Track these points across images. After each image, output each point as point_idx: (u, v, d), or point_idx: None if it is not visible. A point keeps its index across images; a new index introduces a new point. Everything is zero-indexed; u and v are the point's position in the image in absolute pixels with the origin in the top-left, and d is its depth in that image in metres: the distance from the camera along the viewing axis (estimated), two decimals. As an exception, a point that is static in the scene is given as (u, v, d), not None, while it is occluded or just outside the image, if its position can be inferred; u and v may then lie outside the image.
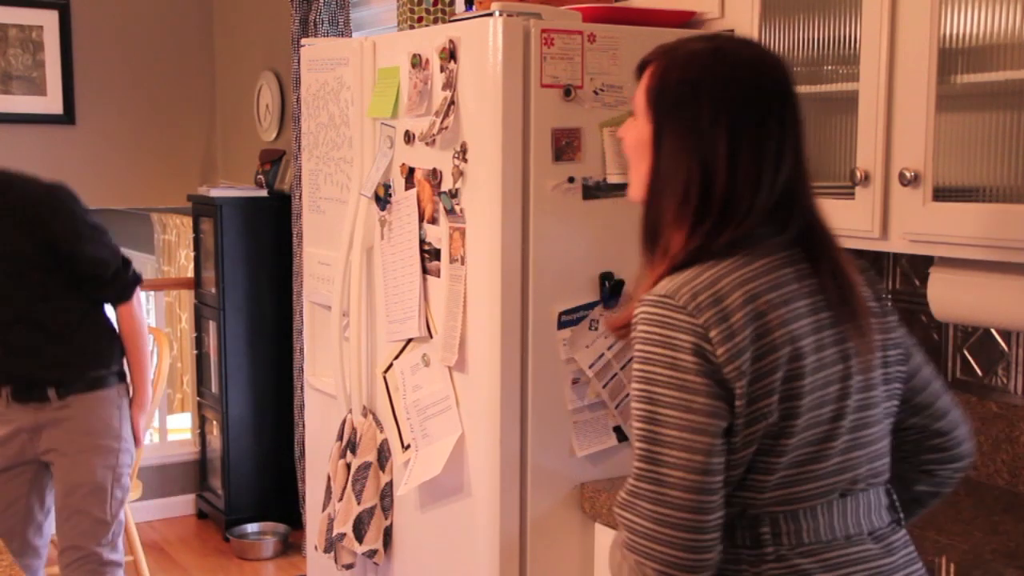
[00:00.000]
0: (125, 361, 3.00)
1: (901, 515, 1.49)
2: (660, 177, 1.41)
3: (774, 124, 1.38)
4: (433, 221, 2.23)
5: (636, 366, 1.34)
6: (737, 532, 1.36)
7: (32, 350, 2.80)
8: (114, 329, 2.96)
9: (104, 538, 2.88)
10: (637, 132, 1.45)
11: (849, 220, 2.02)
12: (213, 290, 4.57)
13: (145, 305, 3.47)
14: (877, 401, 1.42)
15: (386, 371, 2.40)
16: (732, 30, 2.25)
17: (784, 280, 1.36)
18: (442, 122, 2.14)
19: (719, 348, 1.30)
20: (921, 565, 1.46)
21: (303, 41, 2.76)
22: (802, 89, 2.17)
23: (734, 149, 1.36)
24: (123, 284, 2.90)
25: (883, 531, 1.43)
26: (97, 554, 2.86)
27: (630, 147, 1.48)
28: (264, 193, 4.65)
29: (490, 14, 2.05)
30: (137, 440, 3.00)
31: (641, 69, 1.46)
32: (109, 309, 2.98)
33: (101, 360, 2.89)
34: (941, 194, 1.88)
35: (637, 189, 1.46)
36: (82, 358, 2.85)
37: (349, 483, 2.45)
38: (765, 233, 1.38)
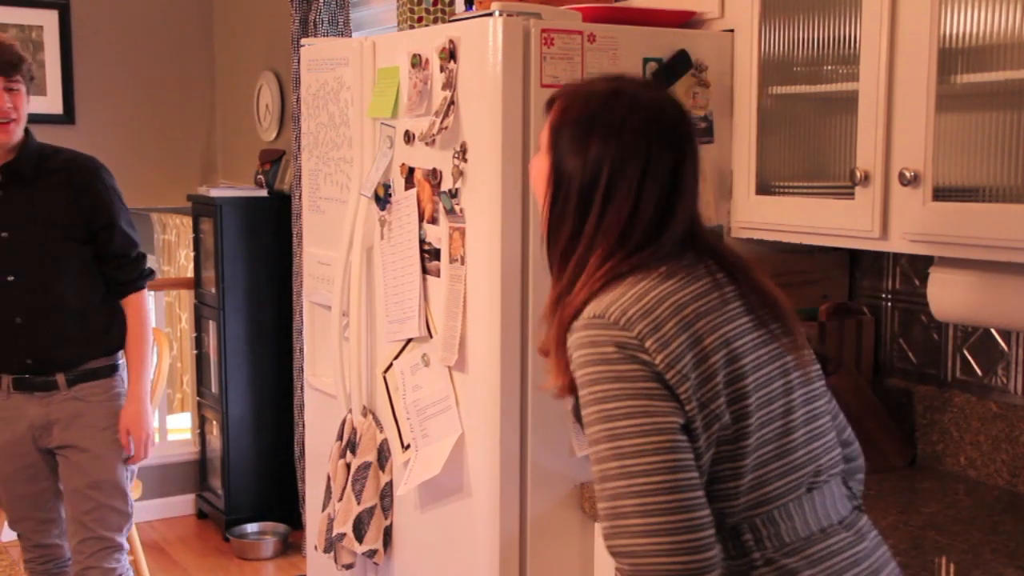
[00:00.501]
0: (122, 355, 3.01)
1: (860, 502, 1.53)
2: (555, 208, 1.47)
3: (664, 162, 1.42)
4: (433, 221, 2.23)
5: (583, 392, 1.35)
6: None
7: (49, 323, 2.81)
8: (124, 320, 2.97)
9: (126, 526, 2.96)
10: (539, 165, 1.52)
11: (849, 220, 2.02)
12: (213, 290, 4.57)
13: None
14: (819, 394, 1.48)
15: (386, 371, 2.40)
16: (732, 30, 2.25)
17: (705, 290, 1.40)
18: (442, 122, 2.14)
19: (657, 356, 1.33)
20: (887, 547, 1.50)
21: (303, 41, 2.76)
22: (802, 89, 2.20)
23: (614, 181, 1.41)
24: (141, 271, 2.95)
25: (850, 519, 1.47)
26: (120, 542, 2.94)
27: (533, 180, 1.55)
28: (264, 193, 4.65)
29: (490, 14, 2.04)
30: (138, 442, 2.96)
31: (548, 107, 1.52)
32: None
33: (110, 346, 2.91)
34: (941, 194, 1.88)
35: (542, 220, 1.51)
36: (94, 338, 2.87)
37: (349, 483, 2.45)
38: (675, 253, 1.43)
